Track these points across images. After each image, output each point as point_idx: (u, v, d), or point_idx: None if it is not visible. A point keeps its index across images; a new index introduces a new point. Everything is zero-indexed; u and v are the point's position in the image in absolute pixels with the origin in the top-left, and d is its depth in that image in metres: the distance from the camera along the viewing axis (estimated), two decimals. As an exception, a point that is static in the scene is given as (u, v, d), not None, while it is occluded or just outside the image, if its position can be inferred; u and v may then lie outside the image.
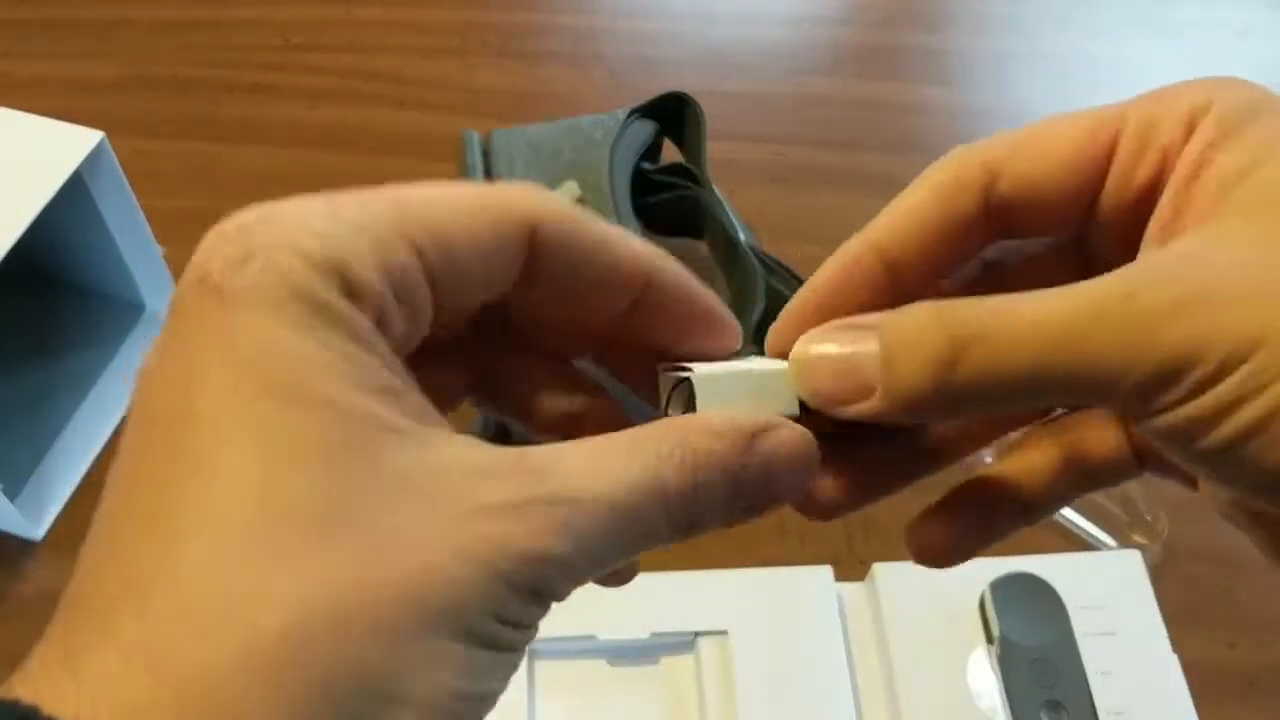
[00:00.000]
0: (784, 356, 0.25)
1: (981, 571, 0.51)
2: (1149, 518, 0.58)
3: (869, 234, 0.25)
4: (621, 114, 0.61)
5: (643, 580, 0.52)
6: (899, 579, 0.52)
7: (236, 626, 0.17)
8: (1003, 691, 0.48)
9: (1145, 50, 0.86)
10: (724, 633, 0.50)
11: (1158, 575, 0.52)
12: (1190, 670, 0.49)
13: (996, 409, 0.23)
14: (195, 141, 0.75)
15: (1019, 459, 0.27)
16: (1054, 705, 0.47)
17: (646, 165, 0.63)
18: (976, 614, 0.51)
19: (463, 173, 0.61)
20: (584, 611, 0.50)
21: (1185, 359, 0.20)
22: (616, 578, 0.26)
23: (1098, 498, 0.59)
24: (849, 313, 0.24)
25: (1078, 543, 0.59)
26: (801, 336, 0.24)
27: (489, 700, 0.20)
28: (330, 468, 0.18)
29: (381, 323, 0.20)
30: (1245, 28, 0.88)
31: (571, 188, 0.57)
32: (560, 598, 0.20)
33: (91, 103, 0.76)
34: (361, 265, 0.19)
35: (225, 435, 0.18)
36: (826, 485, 0.26)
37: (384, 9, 0.85)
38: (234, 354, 0.18)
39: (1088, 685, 0.48)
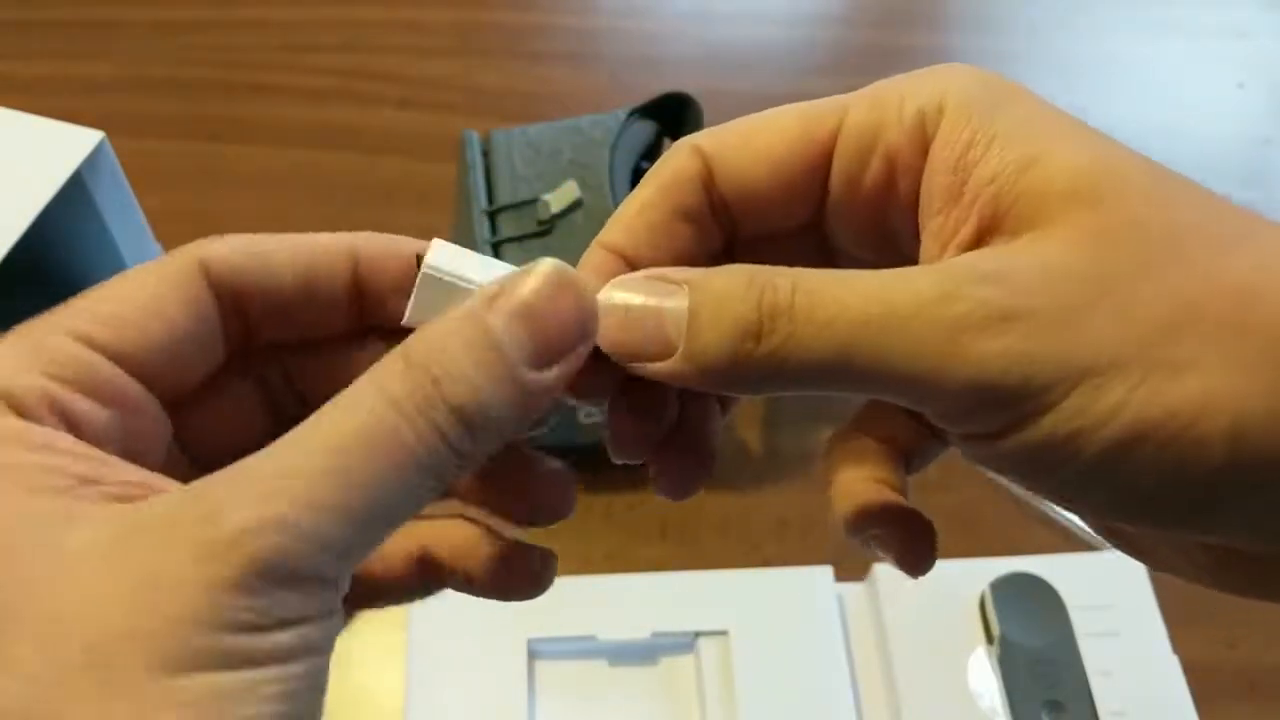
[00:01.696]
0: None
1: (982, 571, 0.51)
2: (1149, 518, 0.58)
3: (602, 236, 0.24)
4: (621, 114, 0.61)
5: (643, 580, 0.52)
6: (899, 579, 0.51)
7: None
8: (1003, 691, 0.48)
9: (1145, 50, 0.86)
10: (724, 633, 0.50)
11: (1158, 575, 0.52)
12: (1190, 670, 0.49)
13: (798, 390, 0.21)
14: (195, 141, 0.75)
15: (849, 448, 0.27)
16: (1054, 705, 0.47)
17: (646, 165, 0.63)
18: (976, 614, 0.51)
19: (462, 173, 0.61)
20: (584, 612, 0.50)
21: (1001, 386, 0.19)
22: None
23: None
24: None
25: (1078, 543, 0.59)
26: (610, 282, 0.22)
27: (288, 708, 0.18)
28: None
29: (67, 416, 0.20)
30: (1245, 28, 0.88)
31: (571, 188, 0.57)
32: (326, 572, 0.18)
33: (91, 103, 0.76)
34: (20, 380, 0.20)
35: None
36: (625, 424, 0.24)
37: (384, 9, 0.85)
38: None
39: (1088, 685, 0.48)
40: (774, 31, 0.87)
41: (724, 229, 0.24)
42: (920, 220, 0.22)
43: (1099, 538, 0.62)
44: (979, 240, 0.21)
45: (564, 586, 0.52)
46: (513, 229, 0.57)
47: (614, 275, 0.22)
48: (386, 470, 0.19)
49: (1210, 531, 0.20)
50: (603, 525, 0.58)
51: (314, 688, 0.19)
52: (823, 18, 0.90)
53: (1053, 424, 0.18)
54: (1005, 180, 0.20)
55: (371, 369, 0.20)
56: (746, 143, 0.23)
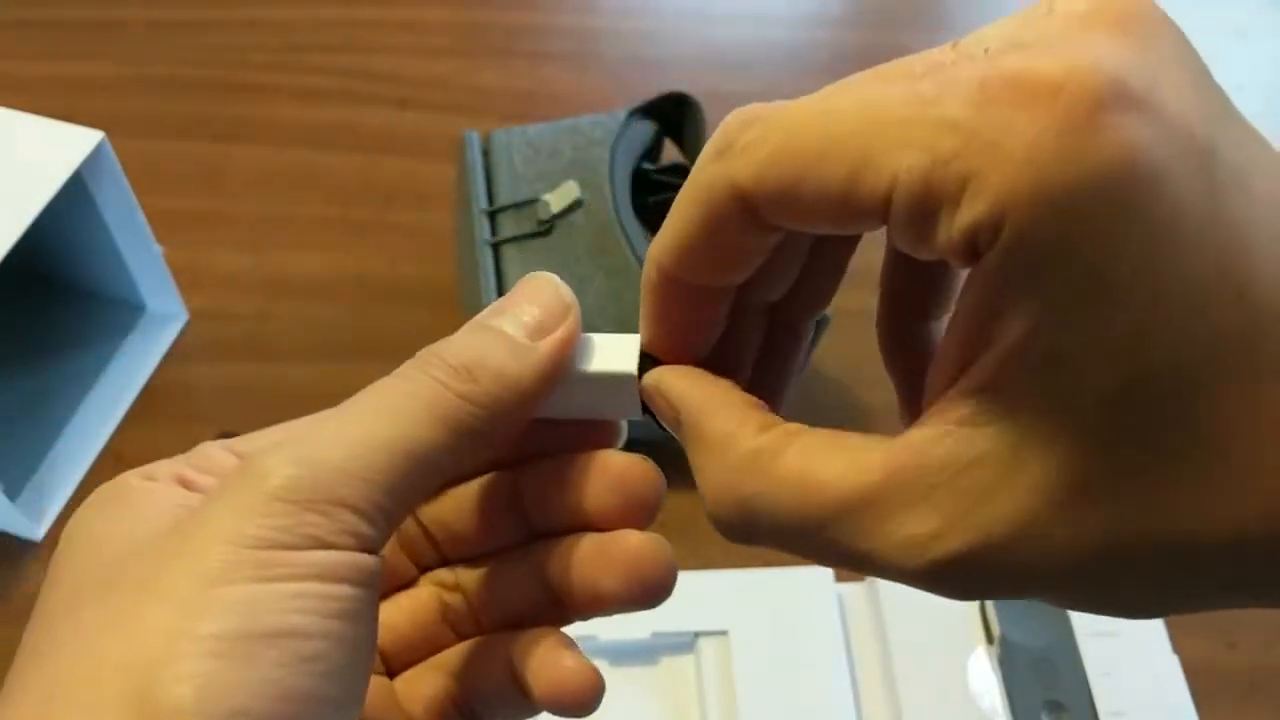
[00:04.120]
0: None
1: (981, 571, 0.51)
2: (1149, 518, 0.58)
3: (651, 253, 0.24)
4: (621, 114, 0.61)
5: (643, 580, 0.52)
6: (899, 579, 0.52)
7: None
8: (1003, 692, 0.48)
9: (1145, 50, 0.86)
10: (724, 633, 0.50)
11: (1158, 575, 0.52)
12: (1190, 670, 0.49)
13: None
14: (195, 141, 0.75)
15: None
16: (1054, 706, 0.47)
17: (646, 165, 0.63)
18: (976, 614, 0.51)
19: (462, 173, 0.61)
20: (584, 611, 0.50)
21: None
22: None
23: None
24: (686, 329, 0.25)
25: (1078, 543, 0.59)
26: (660, 371, 0.25)
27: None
28: None
29: (184, 482, 0.24)
30: (1245, 28, 0.88)
31: (571, 188, 0.57)
32: (345, 496, 0.21)
33: (91, 103, 0.76)
34: (155, 468, 0.25)
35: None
36: None
37: (384, 9, 0.85)
38: None
39: (1088, 686, 0.48)
40: (774, 31, 0.87)
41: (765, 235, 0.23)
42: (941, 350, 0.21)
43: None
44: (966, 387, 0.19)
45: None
46: (513, 229, 0.57)
47: (675, 301, 0.24)
48: (392, 408, 0.22)
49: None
50: (603, 525, 0.58)
51: (353, 615, 0.21)
52: (823, 18, 0.90)
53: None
54: (1012, 348, 0.18)
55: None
56: (789, 187, 0.21)
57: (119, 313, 0.65)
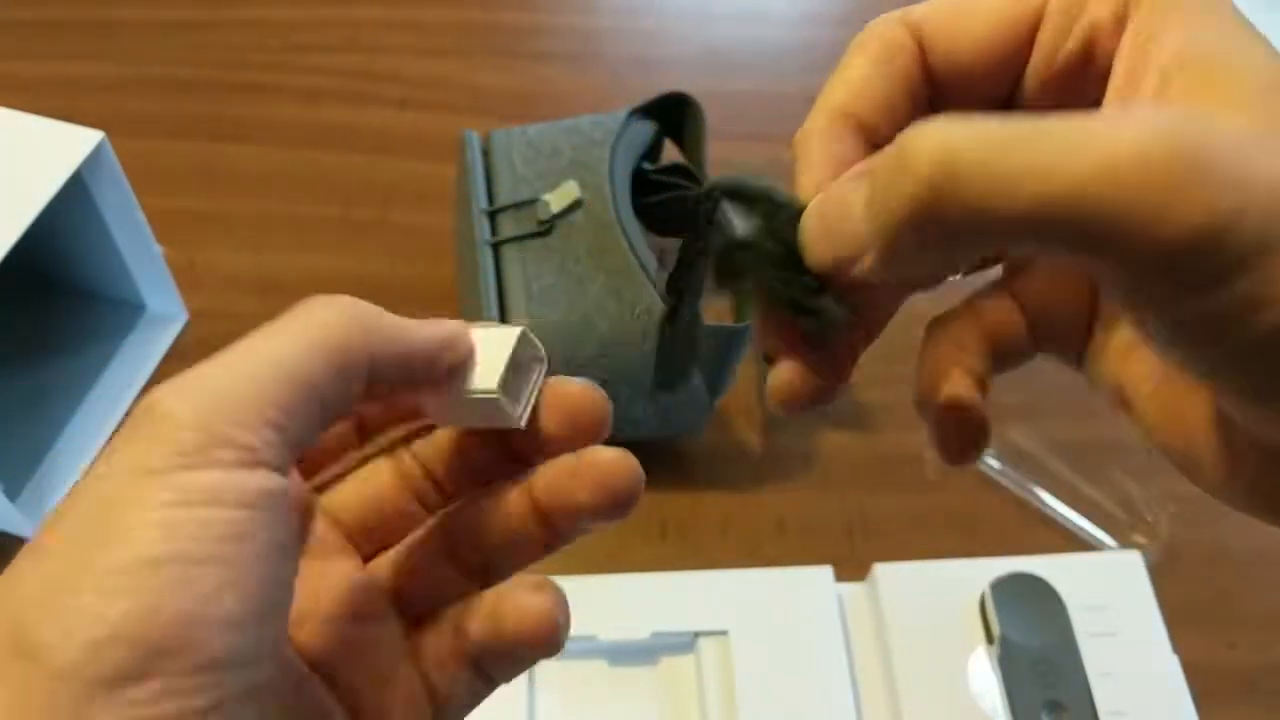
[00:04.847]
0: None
1: (981, 571, 0.51)
2: (1149, 518, 0.58)
3: (830, 101, 0.24)
4: (621, 114, 0.61)
5: (643, 580, 0.52)
6: (899, 579, 0.52)
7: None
8: (1003, 692, 0.48)
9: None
10: (724, 633, 0.50)
11: (1158, 575, 0.52)
12: (1190, 670, 0.49)
13: (981, 248, 0.20)
14: (195, 141, 0.75)
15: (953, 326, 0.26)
16: (1054, 706, 0.47)
17: (646, 165, 0.63)
18: (976, 614, 0.51)
19: (462, 173, 0.61)
20: (584, 611, 0.50)
21: (1229, 220, 0.17)
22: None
23: (1098, 498, 0.59)
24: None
25: (1078, 543, 0.59)
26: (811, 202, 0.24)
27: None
28: None
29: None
30: (1245, 28, 0.88)
31: (571, 188, 0.57)
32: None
33: (91, 103, 0.76)
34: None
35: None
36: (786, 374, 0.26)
37: (384, 9, 0.85)
38: None
39: (1088, 686, 0.48)
40: (774, 31, 0.87)
41: (926, 104, 0.25)
42: (1106, 98, 0.23)
43: (1099, 538, 0.62)
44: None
45: (564, 586, 0.52)
46: (513, 229, 0.57)
47: (850, 140, 0.24)
48: (277, 342, 0.23)
49: None
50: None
51: (242, 536, 0.21)
52: (823, 18, 0.90)
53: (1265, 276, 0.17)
54: (1192, 70, 0.21)
55: None
56: (958, 17, 0.24)
57: (119, 313, 0.65)
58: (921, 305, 0.27)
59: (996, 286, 0.26)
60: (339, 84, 0.80)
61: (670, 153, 0.65)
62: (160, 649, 0.19)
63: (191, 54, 0.81)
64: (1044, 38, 0.24)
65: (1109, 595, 0.51)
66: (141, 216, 0.59)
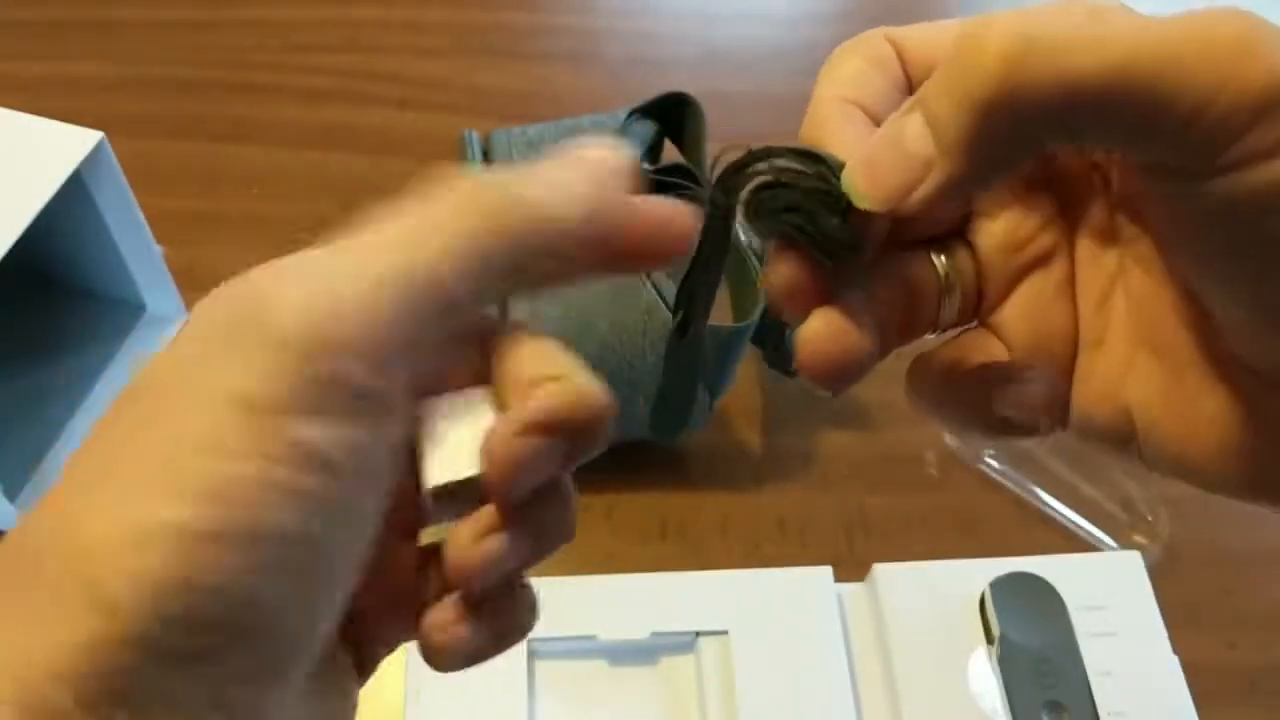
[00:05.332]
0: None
1: (981, 571, 0.51)
2: (1149, 518, 0.58)
3: (831, 91, 0.24)
4: (621, 114, 0.61)
5: (643, 580, 0.52)
6: (899, 579, 0.51)
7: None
8: (1003, 692, 0.48)
9: (1145, 50, 0.86)
10: (724, 633, 0.50)
11: (1158, 575, 0.52)
12: (1190, 670, 0.49)
13: (1045, 142, 0.20)
14: (195, 141, 0.75)
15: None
16: (1054, 706, 0.47)
17: (646, 165, 0.63)
18: (976, 614, 0.51)
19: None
20: (584, 611, 0.50)
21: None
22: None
23: (1098, 497, 0.59)
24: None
25: (1078, 543, 0.59)
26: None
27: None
28: None
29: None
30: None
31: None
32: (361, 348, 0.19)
33: (91, 103, 0.76)
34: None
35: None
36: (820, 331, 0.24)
37: (384, 9, 0.85)
38: None
39: (1088, 686, 0.48)
40: (774, 31, 0.87)
41: None
42: None
43: (1099, 538, 0.62)
44: None
45: (564, 586, 0.52)
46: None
47: (862, 121, 0.24)
48: (414, 237, 0.20)
49: None
50: (603, 525, 0.58)
51: (331, 517, 0.18)
52: (823, 18, 0.90)
53: None
54: None
55: None
56: (931, 41, 0.25)
57: (119, 313, 0.65)
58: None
59: (979, 327, 0.26)
60: (339, 84, 0.80)
61: (670, 153, 0.65)
62: (241, 631, 0.18)
63: (191, 54, 0.81)
64: None
65: (1109, 595, 0.51)
66: (141, 216, 0.59)
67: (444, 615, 0.23)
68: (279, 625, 0.18)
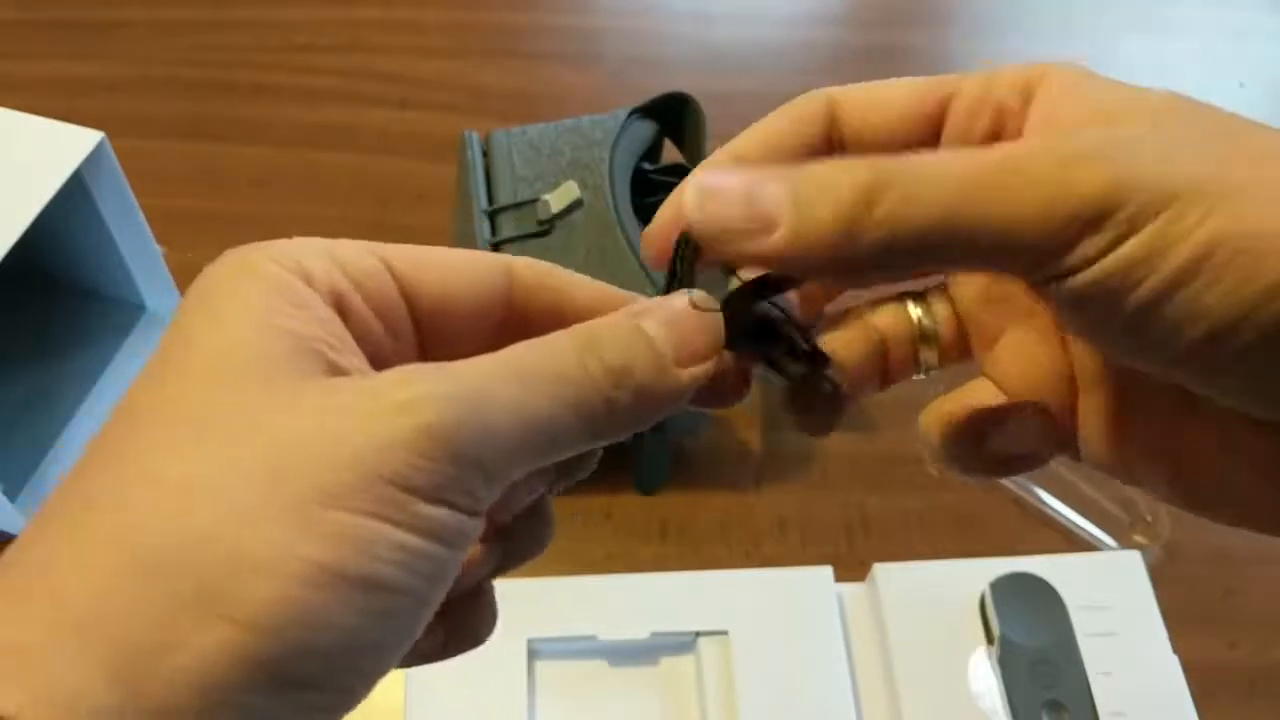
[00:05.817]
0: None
1: (981, 571, 0.51)
2: (1149, 518, 0.58)
3: (731, 145, 0.26)
4: (621, 114, 0.61)
5: (643, 580, 0.52)
6: (899, 579, 0.51)
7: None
8: (1003, 692, 0.48)
9: (1145, 50, 0.86)
10: (724, 633, 0.50)
11: (1158, 575, 0.52)
12: (1190, 671, 0.49)
13: (900, 265, 0.22)
14: (195, 141, 0.75)
15: (838, 336, 0.27)
16: (1054, 706, 0.47)
17: (646, 165, 0.63)
18: (976, 614, 0.51)
19: (463, 173, 0.61)
20: (584, 611, 0.50)
21: (1104, 204, 0.20)
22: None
23: (1098, 497, 0.59)
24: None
25: (1078, 543, 0.59)
26: (701, 167, 0.24)
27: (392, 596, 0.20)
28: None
29: (341, 308, 0.23)
30: (1245, 28, 0.88)
31: (571, 188, 0.57)
32: (485, 459, 0.20)
33: (91, 103, 0.76)
34: (316, 263, 0.22)
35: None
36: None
37: (384, 9, 0.85)
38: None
39: (1088, 686, 0.48)
40: (774, 31, 0.87)
41: None
42: None
43: (1099, 538, 0.62)
44: None
45: (564, 586, 0.52)
46: (513, 229, 0.57)
47: None
48: (550, 386, 0.21)
49: (1273, 382, 0.21)
50: (603, 525, 0.58)
51: (440, 579, 0.21)
52: (823, 18, 0.90)
53: (1143, 243, 0.20)
54: (1086, 118, 0.23)
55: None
56: (869, 91, 0.26)
57: (119, 313, 0.65)
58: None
59: (978, 377, 0.28)
60: (339, 84, 0.80)
61: (670, 153, 0.65)
62: (343, 667, 0.19)
63: (192, 54, 0.81)
64: (955, 117, 0.26)
65: (1109, 595, 0.51)
66: (141, 216, 0.59)
67: None
68: (374, 667, 0.20)
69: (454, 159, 0.63)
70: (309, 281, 0.22)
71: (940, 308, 0.27)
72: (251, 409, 0.20)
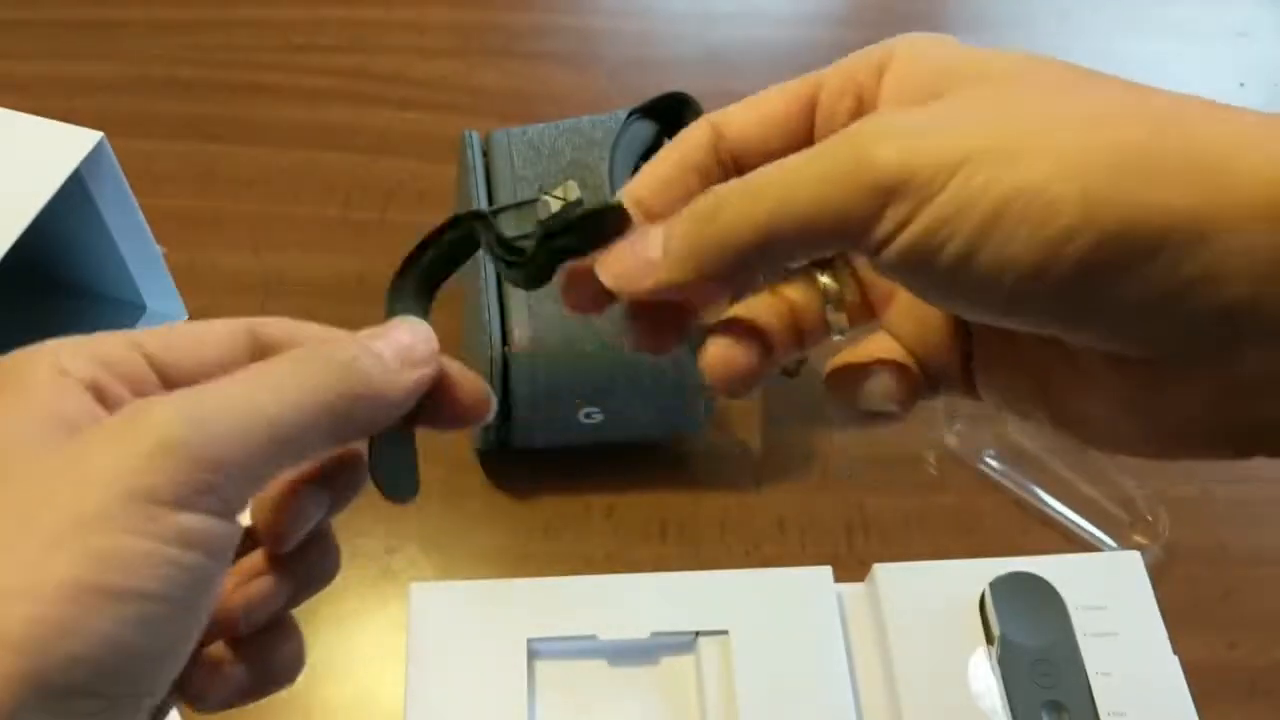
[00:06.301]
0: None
1: (981, 571, 0.51)
2: (1149, 518, 0.58)
3: (627, 188, 0.29)
4: (621, 114, 0.61)
5: (643, 580, 0.52)
6: (899, 579, 0.51)
7: None
8: (1003, 692, 0.48)
9: (1145, 50, 0.86)
10: (724, 633, 0.50)
11: (1158, 575, 0.52)
12: (1190, 671, 0.49)
13: (760, 264, 0.25)
14: (195, 141, 0.75)
15: (751, 303, 0.29)
16: (1054, 706, 0.47)
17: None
18: (976, 614, 0.51)
19: (463, 173, 0.61)
20: (584, 612, 0.50)
21: (897, 176, 0.22)
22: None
23: (1098, 497, 0.59)
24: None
25: (1078, 543, 0.59)
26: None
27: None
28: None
29: (97, 389, 0.25)
30: (1245, 28, 0.88)
31: (571, 188, 0.57)
32: (226, 457, 0.22)
33: (91, 103, 0.76)
34: (72, 361, 0.25)
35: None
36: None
37: (384, 9, 0.85)
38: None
39: (1088, 686, 0.48)
40: (774, 31, 0.87)
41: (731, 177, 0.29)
42: None
43: (1099, 538, 0.62)
44: None
45: (564, 586, 0.52)
46: (513, 229, 0.57)
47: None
48: (285, 388, 0.24)
49: (1090, 317, 0.22)
50: (603, 525, 0.58)
51: (200, 584, 0.22)
52: (823, 18, 0.90)
53: (939, 207, 0.22)
54: (927, 82, 0.25)
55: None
56: (746, 106, 0.29)
57: (119, 313, 0.65)
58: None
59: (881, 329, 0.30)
60: (339, 84, 0.80)
61: (670, 153, 0.65)
62: (117, 677, 0.21)
63: (191, 54, 0.81)
64: (823, 108, 0.28)
65: (1109, 595, 0.51)
66: (141, 216, 0.59)
67: (217, 653, 0.27)
68: (147, 672, 0.22)
69: (454, 159, 0.63)
70: (64, 374, 0.25)
71: (845, 274, 0.29)
72: (9, 470, 0.22)
